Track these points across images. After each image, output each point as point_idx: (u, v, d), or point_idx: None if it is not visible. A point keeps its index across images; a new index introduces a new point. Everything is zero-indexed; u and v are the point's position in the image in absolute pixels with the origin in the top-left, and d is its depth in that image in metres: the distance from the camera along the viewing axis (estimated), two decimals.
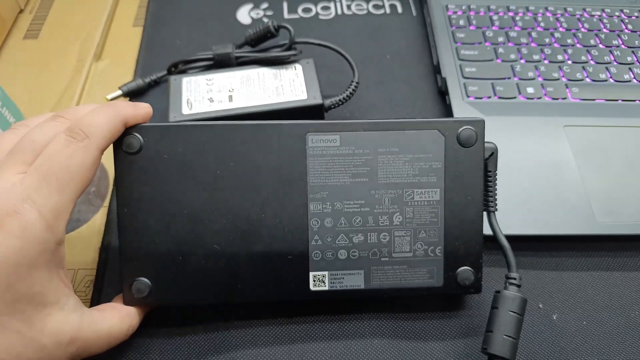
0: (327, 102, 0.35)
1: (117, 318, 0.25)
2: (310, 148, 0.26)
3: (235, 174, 0.26)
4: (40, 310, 0.21)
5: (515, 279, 0.26)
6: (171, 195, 0.25)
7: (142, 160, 0.25)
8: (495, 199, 0.27)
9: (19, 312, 0.20)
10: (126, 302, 0.26)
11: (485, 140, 0.27)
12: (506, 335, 0.24)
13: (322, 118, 0.35)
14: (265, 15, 0.45)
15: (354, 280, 0.27)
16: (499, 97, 0.37)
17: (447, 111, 0.37)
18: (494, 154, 0.27)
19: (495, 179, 0.27)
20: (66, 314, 0.22)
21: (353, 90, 0.36)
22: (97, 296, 0.29)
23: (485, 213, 0.27)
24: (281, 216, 0.26)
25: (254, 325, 0.28)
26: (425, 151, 0.26)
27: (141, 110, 0.25)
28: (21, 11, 0.45)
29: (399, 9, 0.46)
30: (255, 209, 0.26)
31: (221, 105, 0.33)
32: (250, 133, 0.26)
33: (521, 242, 0.31)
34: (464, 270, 0.27)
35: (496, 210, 0.27)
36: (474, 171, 0.26)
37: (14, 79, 0.40)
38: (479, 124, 0.26)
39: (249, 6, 0.46)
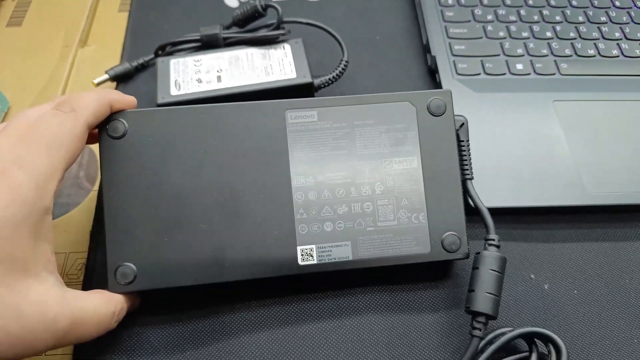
0: (317, 81, 0.35)
1: (103, 300, 0.24)
2: (290, 124, 0.27)
3: (218, 154, 0.27)
4: (20, 279, 0.20)
5: (494, 239, 0.27)
6: (156, 178, 0.26)
7: (126, 145, 0.26)
8: (471, 167, 0.29)
9: (0, 277, 0.20)
10: (111, 289, 0.25)
11: (457, 113, 0.29)
12: (487, 293, 0.25)
13: (312, 97, 0.36)
14: None
15: (342, 252, 0.27)
16: (488, 74, 0.38)
17: (439, 88, 0.38)
18: (464, 124, 0.29)
19: (469, 148, 0.29)
20: (47, 288, 0.21)
21: (343, 69, 0.36)
22: (89, 279, 0.29)
23: (462, 181, 0.28)
24: (265, 192, 0.27)
25: (248, 308, 0.28)
26: (399, 122, 0.28)
27: (127, 97, 0.27)
28: None
29: None
30: (240, 187, 0.27)
31: (210, 85, 0.34)
32: (232, 114, 0.27)
33: (513, 215, 0.32)
34: (449, 235, 0.27)
35: (472, 178, 0.29)
36: (447, 138, 0.28)
37: None
38: (447, 94, 0.29)
39: None
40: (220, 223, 0.26)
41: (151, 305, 0.28)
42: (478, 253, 0.27)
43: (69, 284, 0.27)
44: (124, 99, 0.27)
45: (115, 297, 0.25)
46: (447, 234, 0.27)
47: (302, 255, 0.27)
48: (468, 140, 0.29)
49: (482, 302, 0.25)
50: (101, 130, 0.26)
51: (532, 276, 0.30)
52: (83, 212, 0.32)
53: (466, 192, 0.28)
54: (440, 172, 0.28)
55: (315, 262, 0.27)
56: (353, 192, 0.27)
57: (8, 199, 0.20)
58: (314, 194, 0.27)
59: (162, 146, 0.26)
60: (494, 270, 0.26)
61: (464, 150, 0.28)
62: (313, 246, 0.27)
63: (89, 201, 0.32)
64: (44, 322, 0.21)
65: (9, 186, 0.20)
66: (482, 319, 0.25)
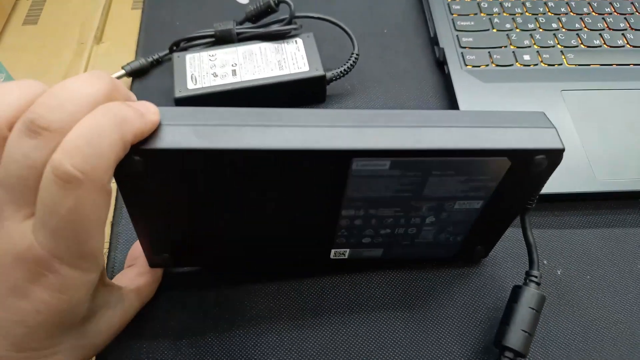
0: (329, 74, 0.34)
1: (149, 287, 0.26)
2: (355, 171, 0.21)
3: (261, 201, 0.21)
4: (92, 321, 0.22)
5: (536, 276, 0.25)
6: (183, 211, 0.22)
7: (147, 181, 0.20)
8: (536, 198, 0.24)
9: (74, 334, 0.21)
10: (152, 265, 0.26)
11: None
12: (522, 330, 0.24)
13: (324, 90, 0.35)
14: None
15: (373, 254, 0.27)
16: (497, 65, 0.37)
17: (446, 80, 0.37)
18: (557, 163, 0.21)
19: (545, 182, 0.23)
20: (113, 311, 0.23)
21: (353, 62, 0.35)
22: (112, 267, 0.28)
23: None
24: (309, 222, 0.24)
25: (266, 295, 0.28)
26: (484, 174, 0.21)
27: (149, 123, 0.18)
28: None
29: None
30: (283, 228, 0.24)
31: (225, 79, 0.33)
32: (284, 160, 0.20)
33: None
34: (478, 249, 0.27)
35: (533, 207, 0.24)
36: (528, 192, 0.23)
37: (15, 64, 0.39)
38: (558, 155, 0.21)
39: None
40: (256, 240, 0.25)
41: (172, 293, 0.27)
42: (518, 287, 0.25)
43: None
44: (145, 130, 0.18)
45: (158, 277, 0.27)
46: (477, 247, 0.27)
47: (335, 254, 0.27)
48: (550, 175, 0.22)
49: (515, 339, 0.23)
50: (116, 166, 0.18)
51: (545, 262, 0.29)
52: None
53: (521, 221, 0.25)
54: (501, 211, 0.24)
55: (346, 257, 0.27)
56: (402, 222, 0.24)
57: (66, 294, 0.18)
58: (361, 221, 0.24)
59: (190, 186, 0.20)
60: (533, 308, 0.24)
61: (539, 190, 0.23)
62: (347, 250, 0.26)
63: None
64: (110, 338, 0.23)
65: (61, 283, 0.18)
66: (511, 355, 0.23)
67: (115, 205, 0.31)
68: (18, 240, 0.17)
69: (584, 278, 0.29)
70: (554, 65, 0.37)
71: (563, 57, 0.37)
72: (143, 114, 0.18)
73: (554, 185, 0.31)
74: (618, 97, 0.35)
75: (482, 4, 0.41)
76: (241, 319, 0.27)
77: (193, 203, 0.21)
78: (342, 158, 0.20)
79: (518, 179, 0.22)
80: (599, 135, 0.33)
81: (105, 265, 0.29)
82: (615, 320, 0.27)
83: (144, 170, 0.19)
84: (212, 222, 0.23)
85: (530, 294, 0.24)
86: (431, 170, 0.21)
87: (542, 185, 0.23)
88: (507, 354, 0.23)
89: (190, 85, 0.32)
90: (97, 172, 0.16)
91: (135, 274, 0.26)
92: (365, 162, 0.20)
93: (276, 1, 0.36)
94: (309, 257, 0.27)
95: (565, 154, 0.32)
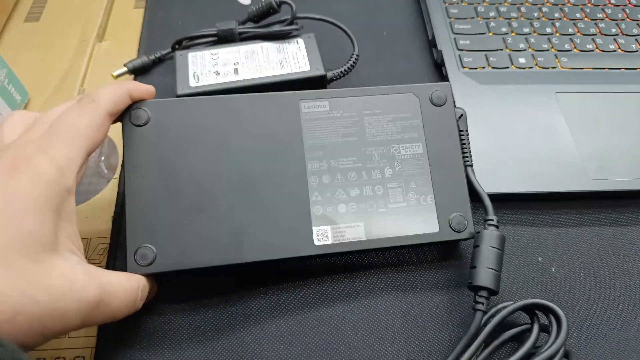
0: (330, 74, 0.34)
1: (126, 276, 0.23)
2: (304, 113, 0.28)
3: (236, 142, 0.27)
4: (45, 255, 0.19)
5: (493, 220, 0.27)
6: (176, 164, 0.26)
7: (148, 132, 0.26)
8: (471, 155, 0.29)
9: (25, 250, 0.19)
10: (130, 270, 0.24)
11: (457, 106, 0.29)
12: (489, 268, 0.25)
13: (324, 89, 0.35)
14: None
15: (356, 233, 0.26)
16: (493, 68, 0.37)
17: (444, 81, 0.37)
18: (462, 116, 0.29)
19: (468, 138, 0.29)
20: (72, 265, 0.20)
21: (354, 62, 0.35)
22: (112, 262, 0.28)
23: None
24: (282, 176, 0.27)
25: (266, 293, 0.27)
26: (404, 111, 0.29)
27: (145, 86, 0.26)
28: None
29: None
30: (257, 173, 0.26)
31: (227, 78, 0.33)
32: (249, 104, 0.27)
33: (520, 201, 0.31)
34: (456, 216, 0.27)
35: (472, 165, 0.29)
36: (448, 126, 0.29)
37: (16, 61, 0.38)
38: (446, 87, 0.29)
39: None
40: (239, 207, 0.26)
41: (171, 294, 0.27)
42: (478, 232, 0.27)
43: None
44: (142, 88, 0.26)
45: (137, 276, 0.24)
46: (454, 214, 0.27)
47: (318, 235, 0.26)
48: (467, 130, 0.29)
49: (484, 277, 0.25)
50: (124, 118, 0.26)
51: (540, 259, 0.29)
52: (104, 199, 0.31)
53: (467, 177, 0.28)
54: (444, 158, 0.28)
55: (330, 242, 0.26)
56: (364, 175, 0.27)
57: (32, 181, 0.20)
58: (328, 177, 0.27)
59: (183, 134, 0.26)
60: (494, 247, 0.25)
61: (464, 139, 0.29)
62: (328, 227, 0.26)
63: (110, 189, 0.31)
64: (73, 291, 0.20)
65: (33, 170, 0.20)
66: (484, 293, 0.25)
67: (117, 201, 0.31)
68: (20, 142, 0.22)
69: (578, 275, 0.29)
70: (548, 68, 0.37)
71: (557, 60, 0.38)
72: (139, 83, 0.26)
73: (548, 184, 0.31)
74: (610, 100, 0.35)
75: (479, 8, 0.41)
76: (241, 314, 0.27)
77: (183, 162, 0.26)
78: (292, 100, 0.28)
79: (435, 119, 0.28)
80: (592, 136, 0.33)
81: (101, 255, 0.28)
82: (607, 317, 0.27)
83: (146, 120, 0.26)
84: (200, 191, 0.26)
85: (490, 235, 0.26)
86: (362, 110, 0.28)
87: (465, 135, 0.29)
88: (481, 292, 0.25)
89: (193, 83, 0.32)
90: (101, 100, 0.24)
91: (113, 271, 0.23)
92: (310, 104, 0.28)
93: (278, 2, 0.36)
94: (294, 243, 0.26)
95: (558, 153, 0.32)
